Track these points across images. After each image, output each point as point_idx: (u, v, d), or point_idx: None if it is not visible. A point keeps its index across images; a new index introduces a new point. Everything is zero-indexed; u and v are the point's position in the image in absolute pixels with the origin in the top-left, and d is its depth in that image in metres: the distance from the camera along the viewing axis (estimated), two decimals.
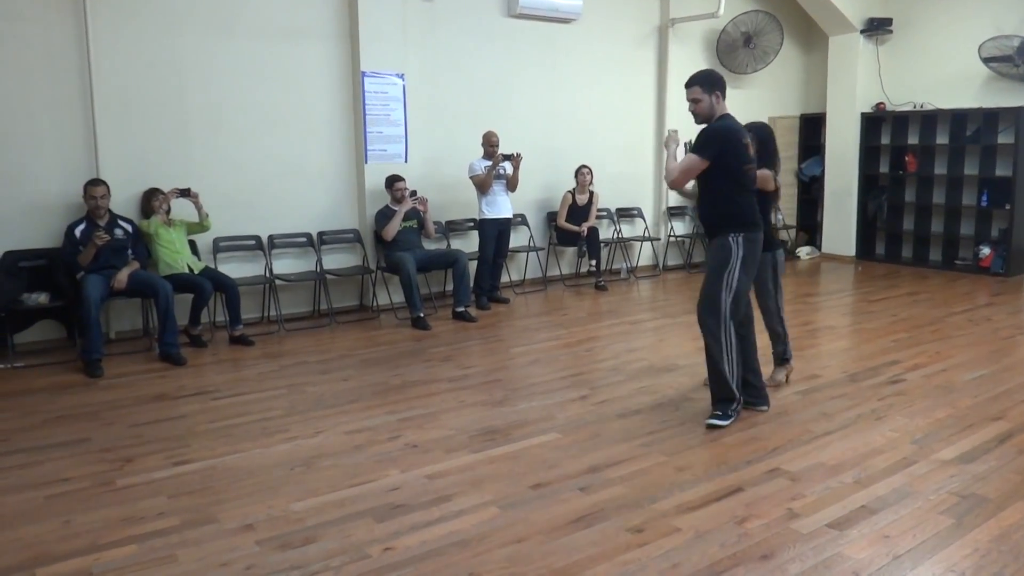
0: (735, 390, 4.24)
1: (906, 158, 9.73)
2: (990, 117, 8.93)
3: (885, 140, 9.99)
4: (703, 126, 4.23)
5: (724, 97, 4.23)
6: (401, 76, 7.24)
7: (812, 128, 10.79)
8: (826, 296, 8.11)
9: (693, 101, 4.23)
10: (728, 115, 4.22)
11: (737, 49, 9.56)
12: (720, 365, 4.19)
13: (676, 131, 4.59)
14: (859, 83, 9.87)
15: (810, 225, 10.94)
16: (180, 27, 6.26)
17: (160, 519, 3.23)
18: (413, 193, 6.85)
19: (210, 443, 4.08)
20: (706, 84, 4.20)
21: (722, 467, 3.72)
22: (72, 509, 3.33)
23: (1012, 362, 5.50)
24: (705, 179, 4.21)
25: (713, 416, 4.27)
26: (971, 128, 9.17)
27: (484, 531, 3.11)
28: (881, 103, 9.87)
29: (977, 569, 2.80)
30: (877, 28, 9.63)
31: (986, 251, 9.00)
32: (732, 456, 3.86)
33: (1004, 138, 8.86)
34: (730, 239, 4.14)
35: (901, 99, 9.73)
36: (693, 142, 4.19)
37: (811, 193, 10.86)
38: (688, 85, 4.26)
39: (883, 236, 10.16)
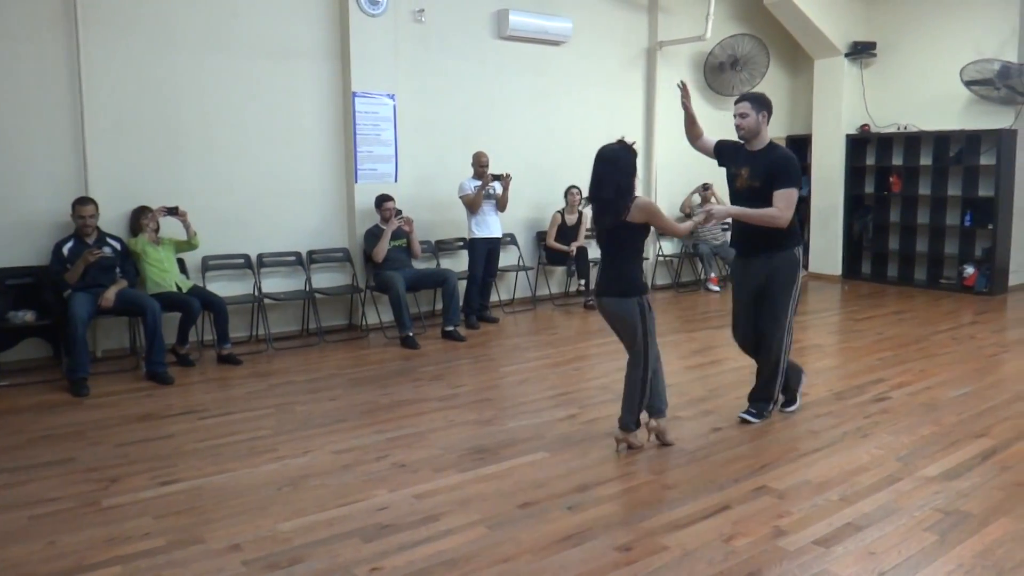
0: (777, 393, 4.62)
1: (891, 179, 9.84)
2: (972, 139, 9.05)
3: (870, 161, 10.09)
4: (768, 153, 4.36)
5: (768, 122, 4.40)
6: (392, 96, 7.29)
7: (798, 149, 10.87)
8: (813, 315, 8.16)
9: (741, 115, 4.35)
10: (775, 143, 4.43)
11: (724, 72, 9.67)
12: (777, 368, 4.51)
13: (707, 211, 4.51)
14: (844, 105, 10.00)
15: None
16: (171, 45, 6.29)
17: (146, 539, 3.21)
18: (399, 213, 6.87)
19: (197, 463, 4.07)
20: (755, 102, 4.36)
21: (709, 485, 3.73)
22: (57, 529, 3.31)
23: (996, 380, 5.55)
24: (762, 203, 4.31)
25: (749, 412, 4.62)
26: (954, 149, 9.28)
27: (472, 551, 3.11)
28: (866, 125, 9.99)
29: None
30: (861, 52, 9.76)
31: (970, 270, 9.09)
32: (719, 474, 3.87)
33: (986, 159, 8.97)
34: (796, 252, 4.42)
35: (885, 121, 9.85)
36: (772, 174, 4.28)
37: (798, 213, 10.88)
38: (738, 100, 4.42)
39: (869, 255, 10.24)
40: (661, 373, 4.22)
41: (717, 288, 9.38)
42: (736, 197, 4.51)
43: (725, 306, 8.48)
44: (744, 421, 4.57)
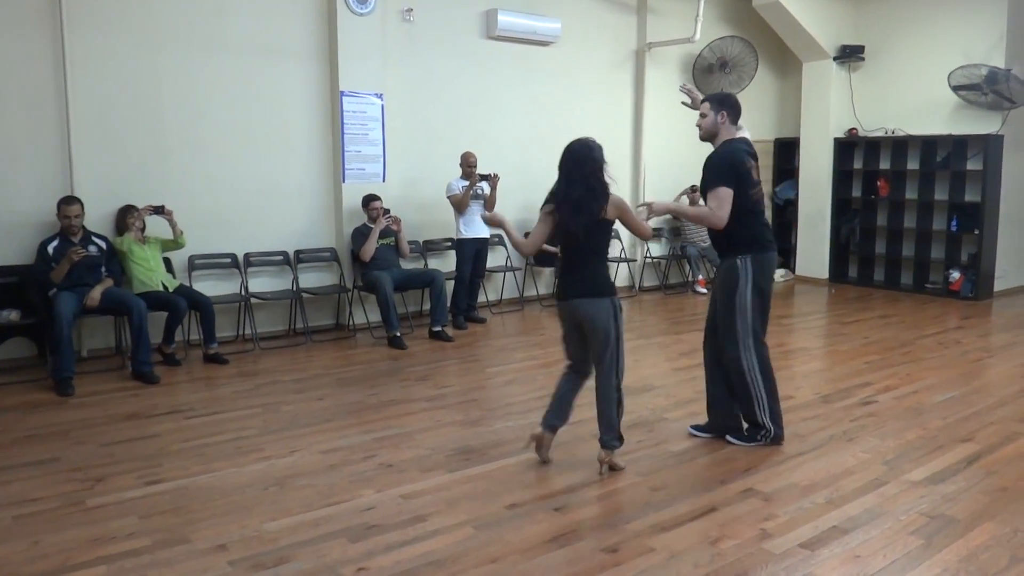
0: (763, 419, 4.25)
1: (878, 183, 9.89)
2: (959, 144, 9.10)
3: (857, 165, 10.14)
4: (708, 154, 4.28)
5: (735, 122, 4.29)
6: (380, 96, 7.27)
7: (786, 152, 10.94)
8: (799, 318, 8.19)
9: (701, 115, 4.32)
10: (735, 140, 4.26)
11: (713, 74, 9.69)
12: (746, 390, 4.23)
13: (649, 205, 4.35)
14: (832, 109, 10.04)
15: (784, 248, 11.05)
16: (157, 44, 6.25)
17: (131, 539, 3.19)
18: (386, 212, 6.86)
19: (183, 462, 4.04)
20: (716, 102, 4.29)
21: (696, 487, 3.74)
22: (41, 529, 3.29)
23: (981, 384, 5.59)
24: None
25: (735, 434, 4.34)
26: (941, 154, 9.34)
27: (459, 551, 3.10)
28: (853, 129, 10.03)
29: None
30: (850, 55, 9.81)
31: (956, 275, 9.14)
32: (706, 477, 3.88)
33: (973, 164, 9.03)
34: (739, 261, 4.18)
35: (873, 125, 9.90)
36: (704, 175, 4.19)
37: (785, 216, 11.00)
38: (701, 101, 4.39)
39: (855, 259, 10.29)
40: (577, 393, 4.01)
41: (704, 290, 9.40)
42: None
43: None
44: (729, 443, 4.32)
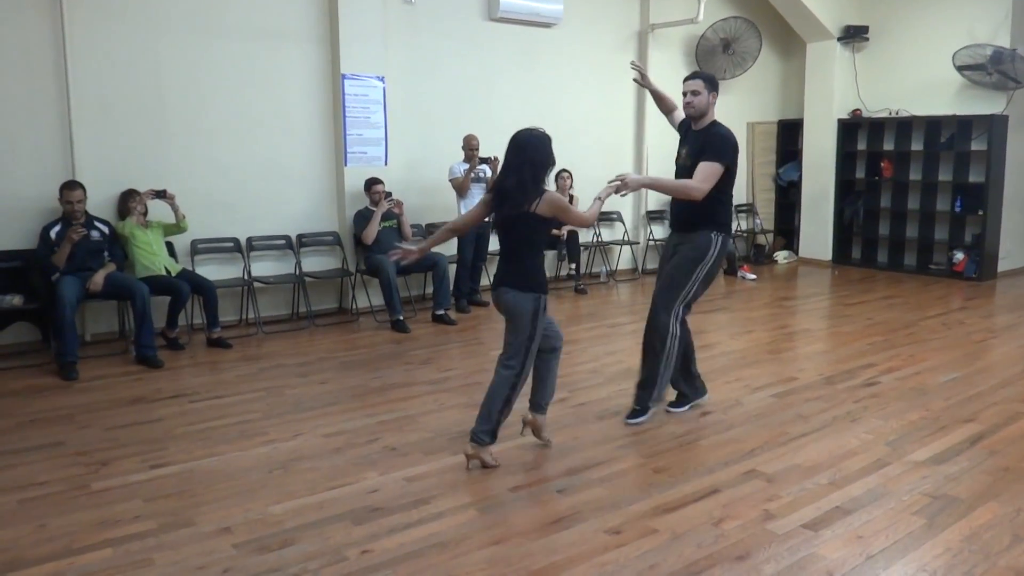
0: (660, 381, 4.34)
1: (882, 164, 9.85)
2: (964, 124, 9.05)
3: (861, 146, 10.09)
4: (706, 131, 4.26)
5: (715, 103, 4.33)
6: (381, 79, 7.24)
7: (790, 134, 10.89)
8: (803, 300, 8.18)
9: (692, 93, 4.27)
10: (718, 121, 4.31)
11: (716, 55, 9.63)
12: (661, 355, 4.27)
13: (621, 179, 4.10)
14: (836, 90, 9.98)
15: (787, 229, 11.04)
16: (159, 27, 6.23)
17: (136, 522, 3.21)
18: (388, 195, 6.84)
19: (187, 446, 4.06)
20: (708, 81, 4.30)
21: (699, 469, 3.75)
22: (47, 513, 3.30)
23: (984, 365, 5.59)
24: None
25: (633, 412, 4.40)
26: (945, 135, 9.29)
27: (463, 533, 3.11)
28: (857, 109, 9.98)
29: (948, 568, 2.84)
30: (854, 36, 9.74)
31: (960, 256, 9.12)
32: (709, 458, 3.89)
33: (977, 145, 8.98)
34: (713, 236, 4.22)
35: (877, 106, 9.84)
36: (703, 148, 4.16)
37: (788, 198, 10.96)
38: (690, 78, 4.34)
39: (859, 241, 10.26)
40: (556, 370, 3.97)
41: None
42: (676, 174, 4.42)
43: (713, 290, 8.50)
44: (630, 424, 4.33)
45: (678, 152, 4.46)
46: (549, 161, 3.76)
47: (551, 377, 3.94)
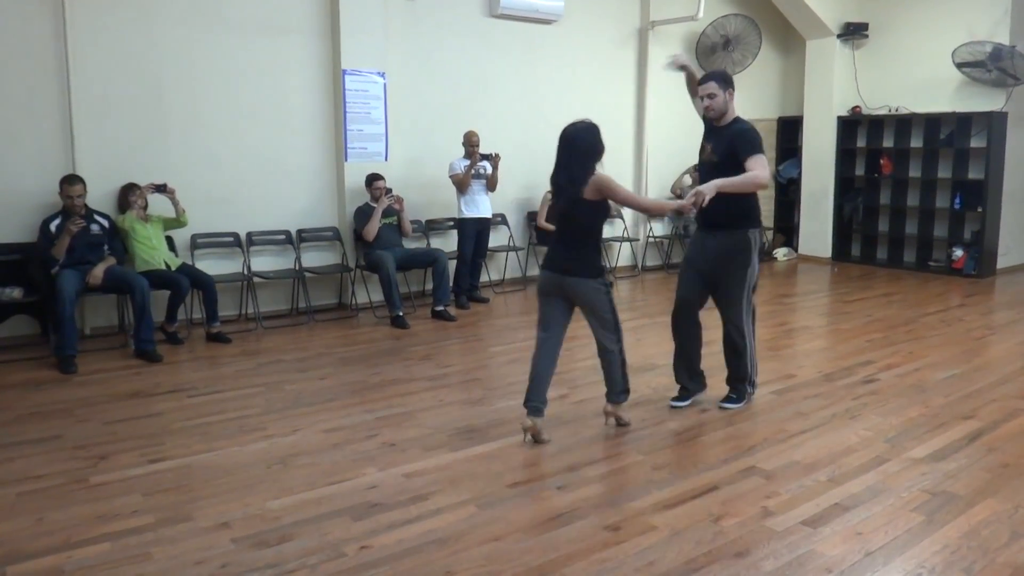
0: (752, 375, 4.59)
1: (881, 161, 9.84)
2: (963, 121, 9.05)
3: (861, 143, 10.09)
4: (730, 128, 4.31)
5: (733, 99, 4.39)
6: (382, 74, 7.23)
7: (789, 131, 10.89)
8: (802, 297, 8.19)
9: (709, 96, 4.31)
10: (740, 117, 4.38)
11: (716, 52, 9.62)
12: (744, 348, 4.48)
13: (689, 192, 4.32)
14: (835, 87, 9.98)
15: (787, 227, 11.04)
16: (160, 21, 6.21)
17: (134, 517, 3.21)
18: (388, 191, 6.84)
19: (186, 441, 4.06)
20: (722, 81, 4.33)
21: (698, 466, 3.75)
22: (45, 506, 3.30)
23: (983, 362, 5.59)
24: (724, 174, 4.20)
25: (729, 399, 4.60)
26: (945, 132, 9.29)
27: (461, 529, 3.11)
28: (857, 107, 9.97)
29: (947, 565, 2.84)
30: (853, 33, 9.74)
31: (959, 253, 9.12)
32: (708, 455, 3.89)
33: (977, 142, 8.98)
34: (750, 234, 4.34)
35: (877, 103, 9.84)
36: (733, 148, 4.22)
37: (788, 195, 10.96)
38: (704, 80, 4.37)
39: (859, 238, 10.27)
40: (614, 360, 4.12)
41: None
42: (702, 172, 4.51)
43: None
44: (724, 409, 4.53)
45: (702, 147, 4.49)
46: (598, 148, 3.93)
47: (612, 368, 4.12)
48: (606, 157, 4.00)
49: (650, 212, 4.21)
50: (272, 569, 2.81)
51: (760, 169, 4.15)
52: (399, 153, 7.49)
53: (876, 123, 9.88)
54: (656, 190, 9.43)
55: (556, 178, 3.97)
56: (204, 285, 6.04)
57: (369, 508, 3.30)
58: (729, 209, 4.24)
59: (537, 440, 4.02)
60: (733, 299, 4.41)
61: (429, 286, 7.41)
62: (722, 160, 4.26)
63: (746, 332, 4.45)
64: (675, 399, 4.61)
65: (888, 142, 9.81)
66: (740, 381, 4.59)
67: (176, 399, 4.75)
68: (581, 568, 2.82)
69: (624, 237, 9.17)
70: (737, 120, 4.35)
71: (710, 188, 4.09)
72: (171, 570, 2.81)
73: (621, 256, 9.43)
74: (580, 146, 3.89)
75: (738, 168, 4.15)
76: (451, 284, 7.24)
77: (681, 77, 4.82)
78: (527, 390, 4.05)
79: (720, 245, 4.38)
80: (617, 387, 4.13)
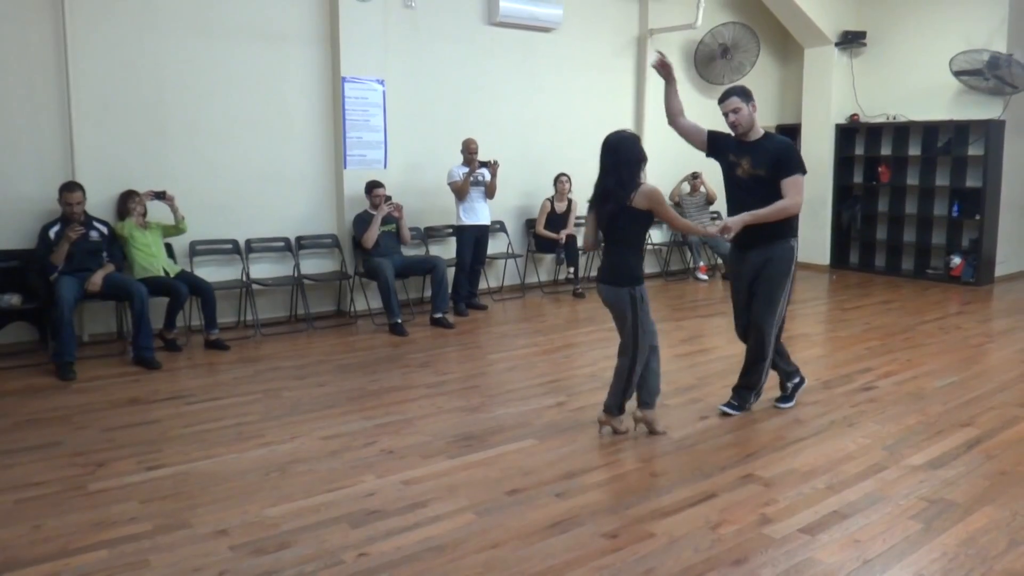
0: (762, 383, 4.64)
1: (879, 169, 9.86)
2: (961, 129, 9.08)
3: (859, 151, 10.11)
4: (768, 142, 4.36)
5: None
6: (381, 82, 7.24)
7: (788, 139, 10.89)
8: (801, 304, 8.19)
9: (734, 111, 4.33)
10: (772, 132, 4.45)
11: (714, 60, 9.65)
12: (764, 360, 4.52)
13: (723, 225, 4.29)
14: (833, 95, 10.00)
15: None
16: (159, 28, 6.23)
17: (132, 524, 3.20)
18: (388, 199, 6.85)
19: (184, 448, 4.05)
20: (743, 95, 4.35)
21: (696, 473, 3.75)
22: (43, 513, 3.30)
23: (981, 369, 5.59)
24: (767, 190, 4.26)
25: (730, 404, 4.63)
26: (942, 140, 9.31)
27: (460, 537, 3.11)
28: (855, 114, 10.00)
29: (945, 573, 2.84)
30: (851, 41, 9.77)
31: (957, 260, 9.13)
32: (706, 462, 3.89)
33: (974, 150, 9.00)
34: (792, 244, 4.41)
35: (874, 111, 9.86)
36: (779, 163, 4.25)
37: None
38: (725, 97, 4.38)
39: (857, 245, 10.28)
40: (656, 367, 4.22)
41: (705, 277, 9.40)
42: (736, 187, 4.44)
43: (713, 295, 8.53)
44: (724, 414, 4.55)
45: (732, 162, 4.43)
46: (641, 157, 4.04)
47: (651, 375, 4.20)
48: None
49: (684, 232, 4.31)
50: None
51: (795, 195, 4.24)
52: (398, 160, 7.50)
53: (874, 131, 9.90)
54: None
55: (604, 183, 4.00)
56: (203, 292, 6.04)
57: (367, 515, 3.29)
58: (767, 223, 4.28)
59: (650, 430, 4.23)
60: (768, 308, 4.42)
61: (428, 293, 7.40)
62: (769, 174, 4.27)
63: (768, 343, 4.47)
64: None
65: (886, 150, 9.83)
66: (748, 389, 4.60)
67: (174, 406, 4.75)
68: (579, 575, 2.82)
69: None
70: (772, 134, 4.41)
71: (737, 223, 4.15)
72: None
73: None
74: (626, 154, 3.97)
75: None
76: (450, 291, 7.24)
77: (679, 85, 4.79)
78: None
79: (760, 256, 4.41)
80: (613, 397, 4.20)
